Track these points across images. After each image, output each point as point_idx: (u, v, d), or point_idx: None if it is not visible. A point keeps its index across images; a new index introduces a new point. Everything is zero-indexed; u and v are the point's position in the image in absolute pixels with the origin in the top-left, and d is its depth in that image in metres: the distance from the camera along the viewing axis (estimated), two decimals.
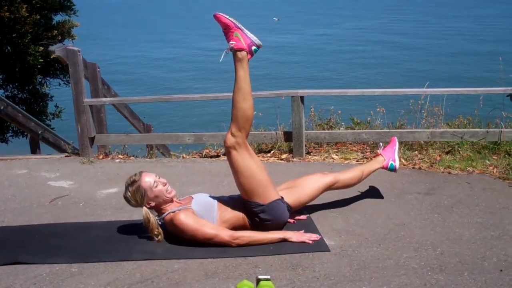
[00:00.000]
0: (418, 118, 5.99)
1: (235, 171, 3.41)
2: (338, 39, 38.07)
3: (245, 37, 3.37)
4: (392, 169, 4.07)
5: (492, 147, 5.26)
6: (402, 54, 30.71)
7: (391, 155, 4.11)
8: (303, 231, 3.47)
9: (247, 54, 3.38)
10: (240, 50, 3.35)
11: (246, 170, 3.37)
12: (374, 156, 4.38)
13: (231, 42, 3.36)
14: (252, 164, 3.39)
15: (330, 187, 3.81)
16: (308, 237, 3.38)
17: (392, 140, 4.24)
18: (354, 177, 3.91)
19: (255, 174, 3.38)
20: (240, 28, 3.37)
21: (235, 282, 2.83)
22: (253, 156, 3.44)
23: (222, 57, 3.47)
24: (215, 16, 3.38)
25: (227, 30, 3.38)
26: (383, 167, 4.07)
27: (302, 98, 5.45)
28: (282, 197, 3.53)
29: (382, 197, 4.20)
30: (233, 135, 3.36)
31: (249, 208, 3.43)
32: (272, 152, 5.72)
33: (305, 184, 3.71)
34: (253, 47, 3.39)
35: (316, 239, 3.37)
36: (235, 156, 3.38)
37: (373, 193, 4.31)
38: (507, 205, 3.95)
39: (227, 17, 3.37)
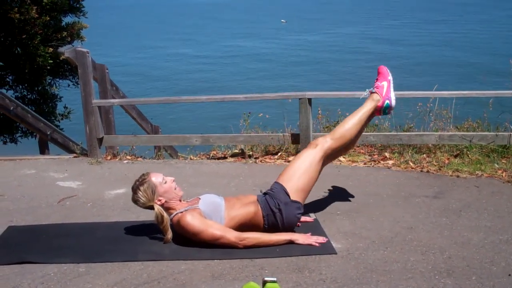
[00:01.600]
0: (427, 121, 5.97)
1: (298, 157, 3.65)
2: (342, 42, 38.05)
3: (388, 90, 3.83)
4: (388, 108, 3.86)
5: (501, 150, 5.23)
6: (408, 58, 30.66)
7: (387, 92, 3.89)
8: (310, 233, 3.47)
9: (379, 102, 3.80)
10: (378, 94, 3.82)
11: (306, 164, 3.58)
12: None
13: (376, 83, 3.86)
14: (314, 167, 3.60)
15: (330, 159, 3.87)
16: (315, 239, 3.38)
17: (382, 71, 3.96)
18: (352, 135, 3.79)
19: (308, 175, 3.57)
20: (390, 82, 3.86)
21: (242, 284, 2.83)
22: (319, 166, 3.64)
23: (364, 94, 3.93)
24: (379, 67, 3.95)
25: (380, 76, 3.89)
26: (378, 107, 3.85)
27: (309, 100, 5.45)
28: (303, 206, 3.58)
29: (389, 200, 4.19)
30: (325, 138, 3.71)
31: (273, 193, 3.49)
32: (279, 154, 5.72)
33: (303, 175, 3.60)
34: (387, 101, 3.81)
35: (323, 241, 3.37)
36: (310, 150, 3.64)
37: (380, 196, 4.30)
38: None
39: (388, 70, 3.93)
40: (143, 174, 3.48)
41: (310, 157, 3.61)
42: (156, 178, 3.43)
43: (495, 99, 6.04)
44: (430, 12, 54.09)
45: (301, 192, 3.54)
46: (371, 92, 3.86)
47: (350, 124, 3.77)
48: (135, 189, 3.43)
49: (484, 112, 5.99)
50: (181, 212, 3.36)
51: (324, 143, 3.67)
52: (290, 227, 3.51)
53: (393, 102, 3.85)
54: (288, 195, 3.49)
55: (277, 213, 3.44)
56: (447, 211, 3.93)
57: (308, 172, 3.57)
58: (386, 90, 3.84)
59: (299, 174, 3.56)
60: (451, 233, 3.52)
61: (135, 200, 3.45)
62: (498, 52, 29.27)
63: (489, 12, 51.21)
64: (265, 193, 3.57)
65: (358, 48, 34.65)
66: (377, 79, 3.90)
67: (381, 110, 3.84)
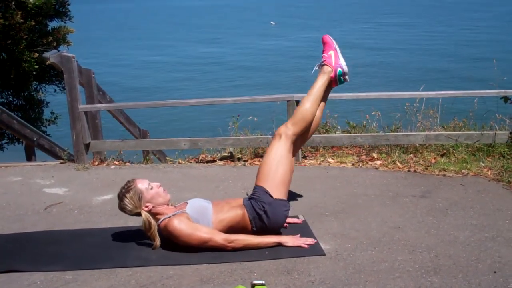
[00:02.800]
0: (414, 121, 6.00)
1: (267, 154, 3.64)
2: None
3: (337, 58, 3.85)
4: (341, 75, 3.88)
5: (487, 149, 5.27)
6: (397, 58, 30.80)
7: (336, 61, 3.90)
8: (299, 235, 3.47)
9: (331, 73, 3.83)
10: (328, 65, 3.84)
11: (276, 159, 3.57)
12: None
13: (323, 55, 3.86)
14: (285, 158, 3.60)
15: (300, 143, 3.88)
16: (303, 241, 3.38)
17: (326, 41, 3.96)
18: (313, 113, 3.81)
19: (282, 167, 3.56)
20: (336, 50, 3.86)
21: None
22: (290, 154, 3.65)
23: (314, 70, 3.94)
24: (323, 37, 3.93)
25: (325, 47, 3.89)
26: (332, 78, 3.88)
27: (297, 102, 5.45)
28: (289, 202, 3.58)
29: (377, 201, 4.21)
30: (286, 125, 3.71)
31: (257, 197, 3.47)
32: None
33: (278, 170, 3.57)
34: (339, 70, 3.83)
35: (312, 243, 3.37)
36: (276, 143, 3.64)
37: (368, 196, 4.31)
38: (501, 207, 3.96)
39: (331, 38, 3.90)
40: (129, 181, 3.47)
41: (278, 150, 3.61)
42: (142, 184, 3.42)
43: (480, 99, 6.09)
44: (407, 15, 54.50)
45: (281, 187, 3.53)
46: (321, 65, 3.88)
47: (307, 104, 3.79)
48: (121, 197, 3.42)
49: (470, 112, 6.03)
50: (169, 217, 3.35)
51: (287, 130, 3.69)
52: (278, 227, 3.50)
53: (345, 68, 3.86)
54: (270, 195, 3.48)
55: (263, 215, 3.43)
56: (434, 210, 3.95)
57: (282, 165, 3.57)
58: (335, 59, 3.85)
59: (273, 170, 3.55)
60: (438, 232, 3.54)
61: (122, 208, 3.43)
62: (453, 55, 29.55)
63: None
64: (250, 198, 3.56)
65: (349, 46, 34.78)
66: (323, 50, 3.90)
67: (336, 80, 3.87)
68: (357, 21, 52.29)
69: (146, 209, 3.39)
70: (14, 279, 3.10)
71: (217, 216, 3.42)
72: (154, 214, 3.42)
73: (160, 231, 3.42)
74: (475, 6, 59.15)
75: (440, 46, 34.61)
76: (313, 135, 5.72)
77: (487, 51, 29.43)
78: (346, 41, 39.29)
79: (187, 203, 3.52)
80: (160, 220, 3.39)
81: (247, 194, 3.68)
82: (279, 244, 3.36)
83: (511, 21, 46.08)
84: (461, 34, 40.04)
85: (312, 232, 3.59)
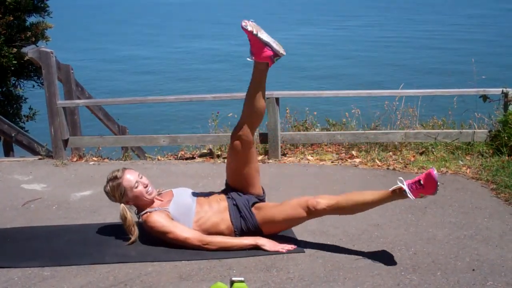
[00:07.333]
0: (393, 119, 6.04)
1: (245, 161, 3.42)
2: (314, 39, 38.25)
3: (269, 50, 3.20)
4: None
5: (465, 147, 5.32)
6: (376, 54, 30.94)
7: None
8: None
9: (269, 64, 3.29)
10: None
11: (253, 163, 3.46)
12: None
13: (252, 57, 3.27)
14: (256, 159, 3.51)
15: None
16: (282, 246, 3.31)
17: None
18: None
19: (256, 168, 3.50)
20: (265, 44, 3.19)
21: (209, 285, 2.82)
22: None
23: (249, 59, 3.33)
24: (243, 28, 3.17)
25: (253, 44, 3.23)
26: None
27: (277, 99, 5.46)
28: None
29: None
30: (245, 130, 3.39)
31: (251, 199, 3.42)
32: None
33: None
34: (275, 58, 3.26)
35: (291, 248, 3.29)
36: (246, 148, 3.38)
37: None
38: (480, 205, 4.00)
39: (254, 33, 3.15)
40: (118, 170, 3.43)
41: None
42: (129, 179, 3.38)
43: (459, 97, 6.15)
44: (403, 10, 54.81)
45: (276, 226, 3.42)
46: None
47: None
48: (106, 183, 3.43)
49: (449, 110, 6.09)
50: (150, 212, 3.34)
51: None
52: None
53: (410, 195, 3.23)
54: (260, 196, 3.47)
55: (247, 220, 3.37)
56: (412, 208, 3.98)
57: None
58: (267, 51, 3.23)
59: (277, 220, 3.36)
60: (416, 230, 3.57)
61: (106, 195, 3.46)
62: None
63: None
64: (235, 204, 3.43)
65: (331, 43, 34.81)
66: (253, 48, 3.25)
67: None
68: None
69: (127, 205, 3.39)
70: None
71: (199, 219, 3.36)
72: (138, 207, 3.43)
73: (141, 223, 3.42)
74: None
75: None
76: (293, 133, 5.75)
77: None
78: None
79: (173, 194, 3.49)
80: (143, 212, 3.39)
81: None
82: (256, 246, 3.29)
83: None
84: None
85: (292, 229, 3.59)
